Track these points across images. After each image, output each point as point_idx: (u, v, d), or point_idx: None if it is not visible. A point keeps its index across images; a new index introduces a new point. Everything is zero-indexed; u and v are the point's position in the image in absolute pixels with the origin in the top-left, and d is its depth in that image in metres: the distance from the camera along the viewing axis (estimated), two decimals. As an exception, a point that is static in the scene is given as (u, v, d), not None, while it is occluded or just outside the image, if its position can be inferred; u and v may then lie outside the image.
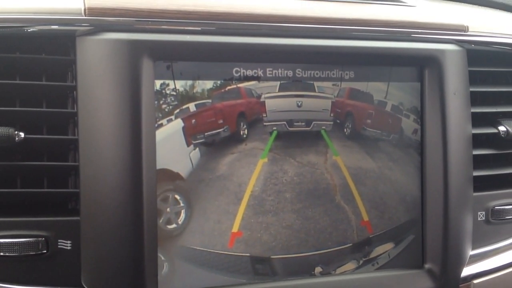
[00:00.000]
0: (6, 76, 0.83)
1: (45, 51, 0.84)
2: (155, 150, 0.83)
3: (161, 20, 0.85)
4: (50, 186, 0.83)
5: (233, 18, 0.88)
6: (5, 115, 0.81)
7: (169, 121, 0.85)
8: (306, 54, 0.92)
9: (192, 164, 0.87)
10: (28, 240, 0.80)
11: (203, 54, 0.87)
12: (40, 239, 0.80)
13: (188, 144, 0.86)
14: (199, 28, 0.87)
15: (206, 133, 0.88)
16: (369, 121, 0.96)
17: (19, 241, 0.80)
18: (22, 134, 0.80)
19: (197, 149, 0.87)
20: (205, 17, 0.87)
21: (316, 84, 0.93)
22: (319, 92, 0.93)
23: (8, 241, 0.79)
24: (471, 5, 1.18)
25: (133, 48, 0.82)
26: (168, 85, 0.85)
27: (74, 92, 0.83)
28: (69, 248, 0.82)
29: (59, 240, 0.81)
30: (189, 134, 0.86)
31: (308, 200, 0.92)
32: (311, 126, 0.93)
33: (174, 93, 0.86)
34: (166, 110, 0.85)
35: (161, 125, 0.85)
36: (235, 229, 0.88)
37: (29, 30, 0.82)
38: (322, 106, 0.93)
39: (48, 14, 0.83)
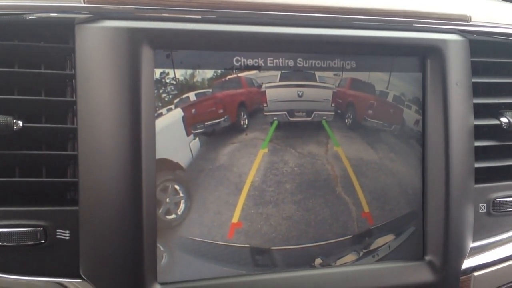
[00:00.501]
0: (5, 64, 0.82)
1: (44, 39, 0.83)
2: (154, 139, 0.83)
3: (161, 8, 0.84)
4: (49, 175, 0.83)
5: (234, 7, 0.87)
6: (3, 103, 0.80)
7: (169, 110, 0.85)
8: (307, 43, 0.91)
9: (192, 154, 0.86)
10: (26, 230, 0.79)
11: (203, 42, 0.86)
12: (39, 229, 0.79)
13: (188, 134, 0.86)
14: (199, 17, 0.86)
15: (206, 123, 0.87)
16: (370, 111, 0.95)
17: (17, 230, 0.79)
18: (20, 123, 0.79)
19: (197, 139, 0.86)
20: (205, 5, 0.86)
21: (317, 74, 0.92)
22: (320, 82, 0.92)
23: (6, 231, 0.78)
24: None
25: (133, 36, 0.81)
26: (168, 74, 0.84)
27: (73, 81, 0.82)
28: (67, 238, 0.81)
29: (57, 230, 0.80)
30: (189, 123, 0.86)
31: (308, 191, 0.91)
32: (312, 116, 0.92)
33: (174, 82, 0.85)
34: (166, 99, 0.84)
35: (160, 115, 0.84)
36: (235, 220, 0.88)
37: (28, 18, 0.81)
38: (323, 96, 0.92)
39: (47, 2, 0.81)
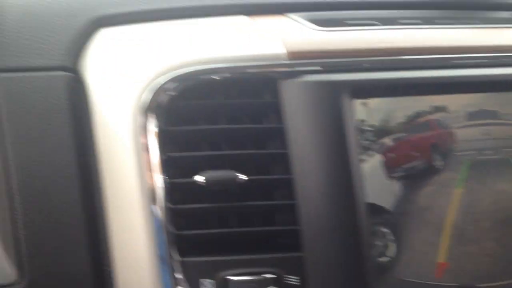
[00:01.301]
0: (214, 120, 0.87)
1: (246, 94, 0.88)
2: (363, 185, 0.86)
3: (358, 59, 0.88)
4: (265, 223, 0.86)
5: (425, 52, 0.90)
6: (221, 158, 0.85)
7: (370, 156, 0.88)
8: (494, 84, 0.93)
9: (394, 197, 0.88)
10: (263, 277, 0.82)
11: (398, 90, 0.89)
12: (270, 276, 0.83)
13: (388, 178, 0.88)
14: (393, 65, 0.89)
15: (403, 166, 0.89)
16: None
17: (251, 278, 0.82)
18: (244, 177, 0.83)
19: (397, 182, 0.89)
20: (398, 53, 0.89)
21: (501, 111, 0.94)
22: (506, 120, 0.94)
23: (246, 279, 0.82)
24: None
25: (334, 89, 0.85)
26: (365, 121, 0.88)
27: (281, 133, 0.86)
28: (297, 283, 0.84)
29: (285, 276, 0.84)
30: (389, 167, 0.88)
31: (506, 228, 0.92)
32: (501, 153, 0.93)
33: (372, 128, 0.88)
34: (366, 145, 0.88)
35: (363, 161, 0.87)
36: (440, 259, 0.89)
37: (235, 76, 0.86)
38: (510, 133, 0.94)
39: (252, 61, 0.86)
